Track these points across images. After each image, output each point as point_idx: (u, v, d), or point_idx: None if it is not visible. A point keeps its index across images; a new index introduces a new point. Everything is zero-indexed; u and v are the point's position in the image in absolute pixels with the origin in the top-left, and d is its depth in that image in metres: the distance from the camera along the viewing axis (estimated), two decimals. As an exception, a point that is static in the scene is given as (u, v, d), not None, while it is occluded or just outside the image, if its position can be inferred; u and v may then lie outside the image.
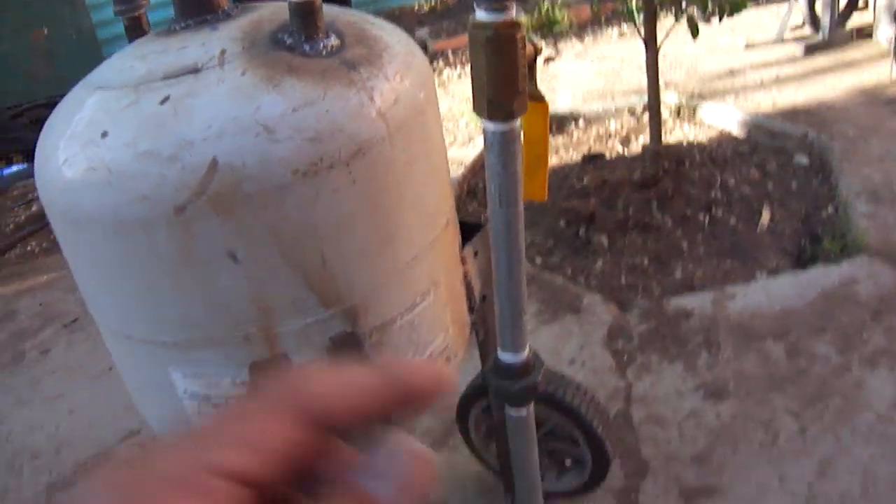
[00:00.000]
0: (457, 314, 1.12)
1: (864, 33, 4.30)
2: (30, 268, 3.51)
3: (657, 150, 3.09)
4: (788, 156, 3.33)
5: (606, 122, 3.93)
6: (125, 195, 0.78)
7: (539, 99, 0.79)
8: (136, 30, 1.06)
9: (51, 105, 0.97)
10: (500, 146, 0.78)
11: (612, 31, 5.36)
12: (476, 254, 1.17)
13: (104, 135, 0.80)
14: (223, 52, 0.84)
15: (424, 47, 5.11)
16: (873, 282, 2.36)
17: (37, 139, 0.90)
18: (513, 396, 1.02)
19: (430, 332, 1.03)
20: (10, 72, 4.49)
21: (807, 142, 3.30)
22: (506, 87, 0.73)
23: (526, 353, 0.99)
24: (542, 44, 5.05)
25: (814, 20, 4.33)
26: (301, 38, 0.85)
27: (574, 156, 3.63)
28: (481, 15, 0.70)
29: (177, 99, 0.79)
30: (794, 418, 1.93)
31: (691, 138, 3.66)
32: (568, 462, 1.75)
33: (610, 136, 3.80)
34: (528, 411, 1.09)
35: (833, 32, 4.23)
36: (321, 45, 0.86)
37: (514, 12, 0.71)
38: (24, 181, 4.00)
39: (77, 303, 2.90)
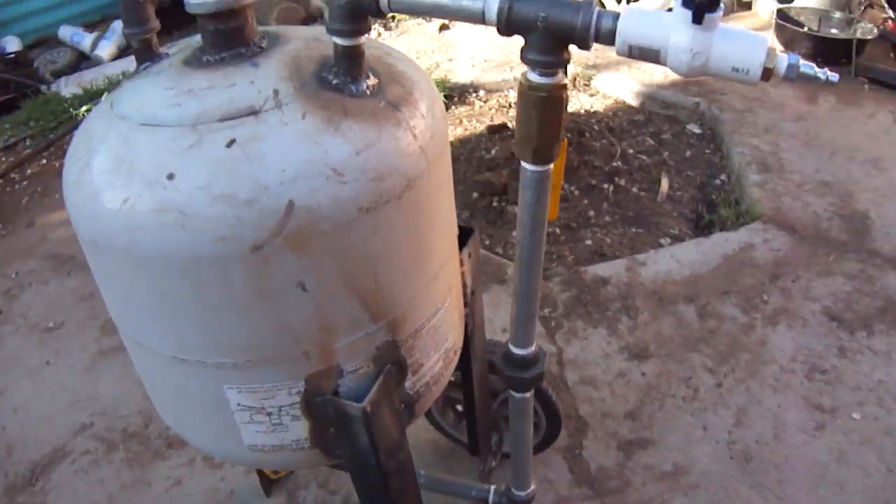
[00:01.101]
0: (458, 311, 1.24)
1: (744, 3, 4.61)
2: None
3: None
4: (682, 125, 3.59)
5: (506, 92, 4.06)
6: (201, 236, 0.84)
7: (563, 137, 0.91)
8: (146, 52, 1.10)
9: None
10: (537, 184, 0.90)
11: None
12: (470, 255, 1.29)
13: (171, 177, 0.85)
14: (276, 92, 0.91)
15: (322, 15, 5.08)
16: (769, 247, 2.63)
17: None
18: (524, 384, 1.17)
19: (447, 331, 1.15)
20: None
21: (698, 112, 3.56)
22: (550, 139, 0.85)
23: (534, 347, 1.13)
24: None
25: (695, -10, 4.58)
26: (347, 80, 0.93)
27: (478, 126, 3.75)
28: (535, 77, 0.81)
29: (244, 142, 0.86)
30: (711, 374, 2.17)
31: (588, 107, 3.84)
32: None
33: (510, 106, 3.94)
34: (530, 395, 1.23)
35: (712, 3, 4.50)
36: (364, 85, 0.94)
37: (561, 76, 0.82)
38: None
39: (-6, 293, 2.82)
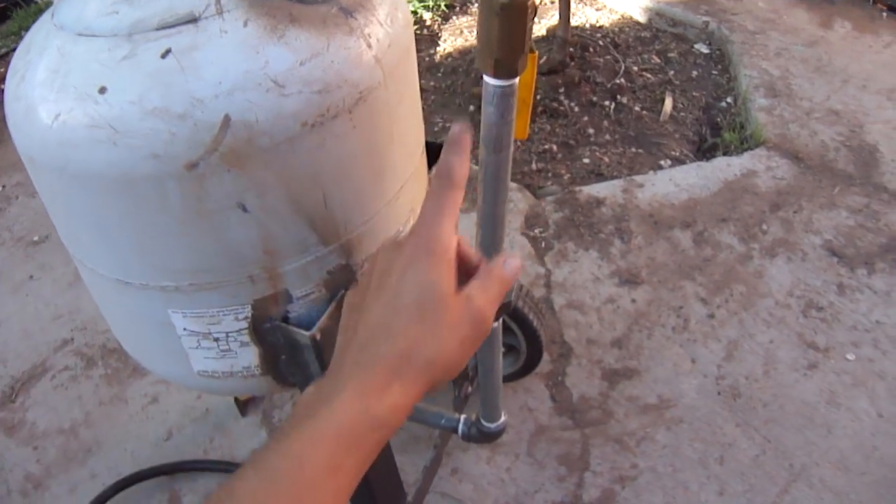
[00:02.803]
0: (427, 237, 1.18)
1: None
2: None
3: (565, 38, 3.14)
4: (689, 44, 3.45)
5: (510, 2, 3.91)
6: (133, 153, 0.78)
7: (530, 50, 0.83)
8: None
9: None
10: (500, 99, 0.82)
11: None
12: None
13: (103, 90, 0.79)
14: (217, -3, 0.83)
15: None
16: (771, 175, 2.55)
17: None
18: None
19: (410, 258, 1.09)
20: None
21: (707, 31, 3.42)
22: (513, 50, 0.77)
23: (501, 276, 1.08)
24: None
25: None
26: (297, -16, 0.85)
27: (479, 39, 3.63)
28: (496, -18, 0.73)
29: (180, 52, 0.79)
30: (703, 304, 2.12)
31: (594, 22, 3.71)
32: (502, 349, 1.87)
33: (514, 18, 3.79)
34: (498, 325, 1.18)
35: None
36: (315, -11, 0.86)
37: (526, -21, 0.74)
38: None
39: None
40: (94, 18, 0.85)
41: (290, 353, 0.97)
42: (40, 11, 4.12)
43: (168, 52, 0.79)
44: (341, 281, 0.98)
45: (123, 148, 0.78)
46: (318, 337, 0.91)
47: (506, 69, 0.79)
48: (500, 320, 1.18)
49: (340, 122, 0.85)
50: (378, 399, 0.53)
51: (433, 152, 1.20)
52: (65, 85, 0.82)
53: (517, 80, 0.82)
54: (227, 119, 0.78)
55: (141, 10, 0.83)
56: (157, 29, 0.81)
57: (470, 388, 1.69)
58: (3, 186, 2.91)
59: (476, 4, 3.88)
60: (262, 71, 0.79)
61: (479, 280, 0.59)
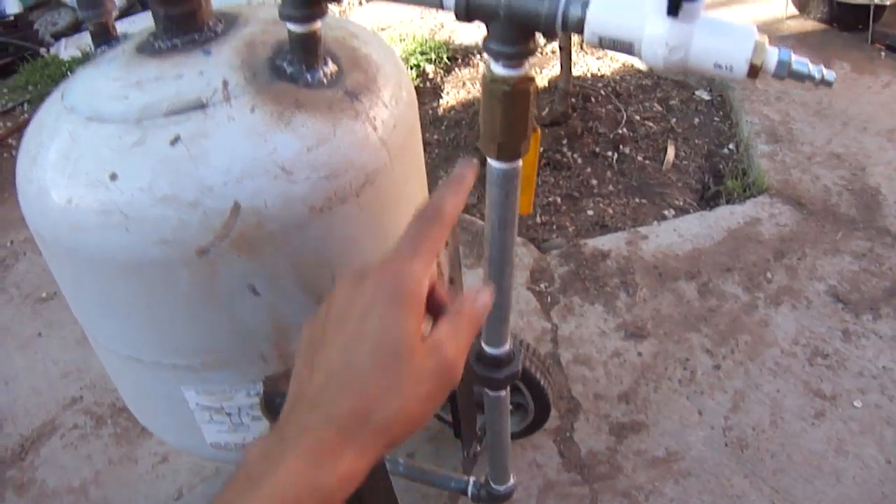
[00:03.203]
0: (434, 304, 1.19)
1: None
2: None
3: (566, 90, 3.18)
4: (690, 91, 3.49)
5: (512, 54, 3.96)
6: (144, 239, 0.80)
7: (533, 128, 0.84)
8: (102, 35, 1.04)
9: None
10: (504, 181, 0.83)
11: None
12: (447, 244, 1.23)
13: (114, 177, 0.80)
14: (226, 83, 0.85)
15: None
16: (775, 222, 2.56)
17: None
18: (497, 383, 1.12)
19: (417, 328, 1.10)
20: None
21: (708, 77, 3.45)
22: (516, 134, 0.78)
23: (508, 345, 1.08)
24: None
25: (708, -51, 4.43)
26: (302, 68, 0.87)
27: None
28: (498, 69, 0.74)
29: (188, 139, 0.81)
30: (709, 355, 2.12)
31: (595, 71, 3.75)
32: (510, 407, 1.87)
33: (516, 68, 3.84)
34: (506, 392, 1.19)
35: (726, -38, 4.37)
36: (321, 73, 0.88)
37: (528, 67, 0.76)
38: None
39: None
40: (104, 103, 0.87)
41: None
42: (46, 65, 4.18)
43: (177, 139, 0.81)
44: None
45: (135, 234, 0.80)
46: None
47: (509, 153, 0.81)
48: (507, 388, 1.19)
49: (348, 206, 0.86)
50: (328, 468, 0.48)
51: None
52: (76, 170, 0.83)
53: (520, 161, 0.83)
54: (236, 206, 0.79)
55: (149, 96, 0.85)
56: (166, 115, 0.83)
57: (479, 448, 1.69)
58: (11, 242, 2.93)
59: (478, 57, 3.94)
60: (270, 158, 0.80)
61: (449, 323, 0.54)
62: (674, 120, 3.30)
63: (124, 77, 0.89)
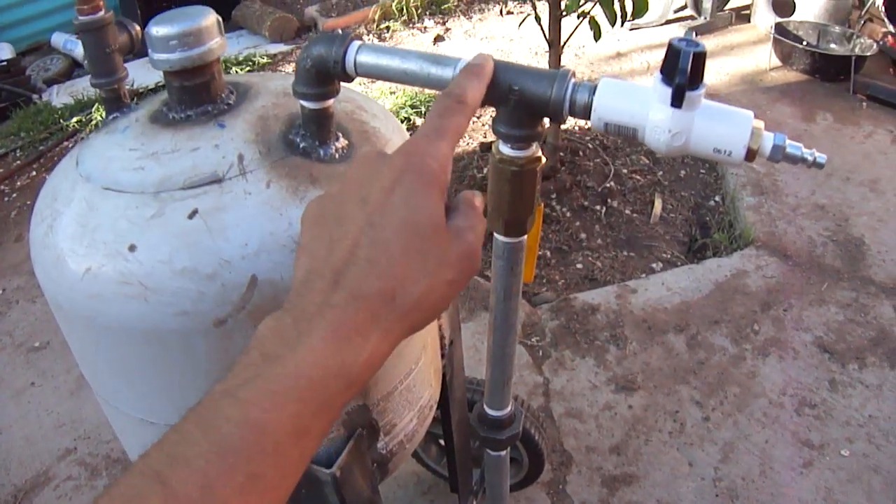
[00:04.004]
0: (435, 366, 1.21)
1: (743, 15, 4.59)
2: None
3: (555, 145, 3.24)
4: (676, 144, 3.56)
5: (501, 106, 4.03)
6: (162, 309, 0.82)
7: (537, 203, 0.88)
8: (115, 101, 1.08)
9: None
10: (510, 254, 0.87)
11: (496, 9, 5.36)
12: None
13: (132, 248, 0.83)
14: (241, 157, 0.89)
15: (315, 26, 5.05)
16: (761, 273, 2.61)
17: None
18: (499, 444, 1.14)
19: (421, 389, 1.13)
20: None
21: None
22: (523, 211, 0.82)
23: (510, 408, 1.11)
24: (436, 28, 5.08)
25: (696, 2, 4.56)
26: (315, 143, 0.91)
27: (471, 143, 3.73)
28: (507, 150, 0.78)
29: (206, 213, 0.84)
30: (699, 407, 2.15)
31: (582, 124, 3.81)
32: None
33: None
34: (507, 452, 1.21)
35: (714, 15, 4.49)
36: (333, 148, 0.91)
37: (535, 148, 0.79)
38: None
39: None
40: (121, 172, 0.90)
41: (311, 488, 0.99)
42: (39, 112, 4.22)
43: (195, 212, 0.84)
44: (358, 420, 1.00)
45: (154, 304, 0.82)
46: (339, 474, 0.94)
47: (515, 229, 0.84)
48: (508, 449, 1.21)
49: (360, 276, 0.89)
50: (355, 349, 0.45)
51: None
52: (94, 240, 0.86)
53: (526, 236, 0.87)
54: (254, 279, 0.82)
55: (166, 168, 0.88)
56: (184, 188, 0.86)
57: (475, 502, 1.70)
58: (3, 290, 2.93)
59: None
60: (286, 233, 0.83)
61: (464, 215, 0.53)
62: (660, 173, 3.36)
63: (140, 147, 0.92)
